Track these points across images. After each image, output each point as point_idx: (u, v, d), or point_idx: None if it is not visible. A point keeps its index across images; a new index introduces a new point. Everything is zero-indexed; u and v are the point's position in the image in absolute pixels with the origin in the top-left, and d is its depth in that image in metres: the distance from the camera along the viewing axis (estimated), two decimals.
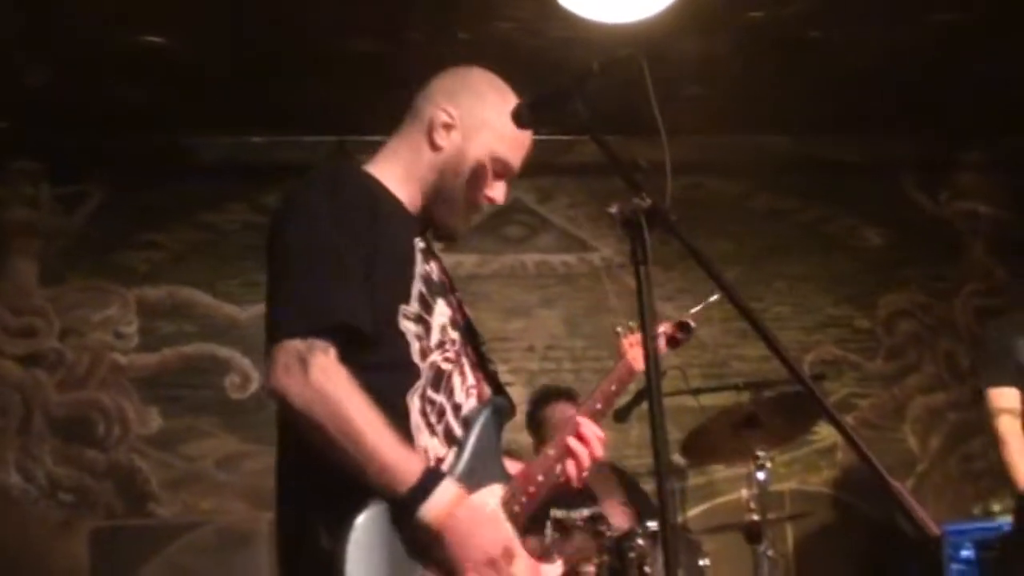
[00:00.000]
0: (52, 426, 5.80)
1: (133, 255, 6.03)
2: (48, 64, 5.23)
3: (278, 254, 2.38)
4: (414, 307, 2.40)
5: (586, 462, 2.62)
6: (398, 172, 2.57)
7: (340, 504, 2.21)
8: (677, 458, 5.37)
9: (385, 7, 4.56)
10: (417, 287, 2.42)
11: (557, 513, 4.73)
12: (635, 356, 2.92)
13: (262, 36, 5.11)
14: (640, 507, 4.97)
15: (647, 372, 2.18)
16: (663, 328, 3.04)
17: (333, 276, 2.29)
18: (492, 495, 2.45)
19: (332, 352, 2.25)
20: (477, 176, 2.60)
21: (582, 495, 5.03)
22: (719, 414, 4.90)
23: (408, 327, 2.37)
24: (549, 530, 4.63)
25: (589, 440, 2.63)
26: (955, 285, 6.92)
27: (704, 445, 5.02)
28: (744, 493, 5.08)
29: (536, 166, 6.91)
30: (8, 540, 5.63)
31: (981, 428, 6.54)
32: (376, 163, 2.59)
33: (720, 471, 6.14)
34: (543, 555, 2.56)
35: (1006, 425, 4.61)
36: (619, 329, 3.05)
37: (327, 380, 2.21)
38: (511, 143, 2.65)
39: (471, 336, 2.63)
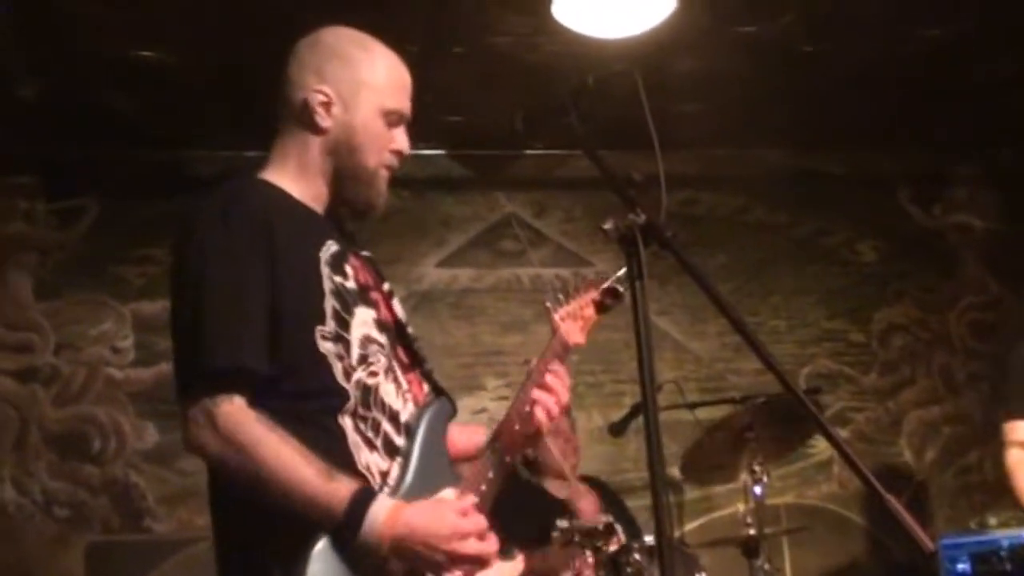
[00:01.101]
0: (47, 441, 5.78)
1: (129, 269, 6.02)
2: (42, 77, 5.23)
3: (177, 295, 2.32)
4: (330, 327, 2.32)
5: (555, 409, 2.61)
6: (292, 172, 2.47)
7: (291, 538, 2.17)
8: (675, 472, 5.37)
9: (379, 21, 4.55)
10: (330, 305, 2.33)
11: (562, 524, 4.74)
12: (568, 330, 2.84)
13: (256, 49, 5.10)
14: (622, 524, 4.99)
15: (642, 386, 2.18)
16: (591, 295, 2.92)
17: (229, 319, 2.22)
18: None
19: (237, 399, 2.20)
20: (373, 138, 2.48)
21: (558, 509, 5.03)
22: (715, 429, 4.90)
23: (328, 349, 2.30)
24: (556, 543, 4.64)
25: (555, 388, 2.62)
26: (949, 299, 6.92)
27: (702, 462, 5.02)
28: (741, 507, 5.09)
29: (531, 180, 6.96)
30: (3, 555, 5.61)
31: (976, 441, 6.59)
32: (270, 169, 2.49)
33: (717, 485, 6.13)
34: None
35: (1014, 458, 4.63)
36: (548, 304, 2.91)
37: (235, 428, 2.18)
38: (393, 91, 2.52)
39: (402, 335, 2.55)
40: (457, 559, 2.25)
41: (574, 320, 2.88)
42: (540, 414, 2.59)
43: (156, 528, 5.80)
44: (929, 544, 1.92)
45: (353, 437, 2.31)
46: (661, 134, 2.44)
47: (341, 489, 2.19)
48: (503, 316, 6.34)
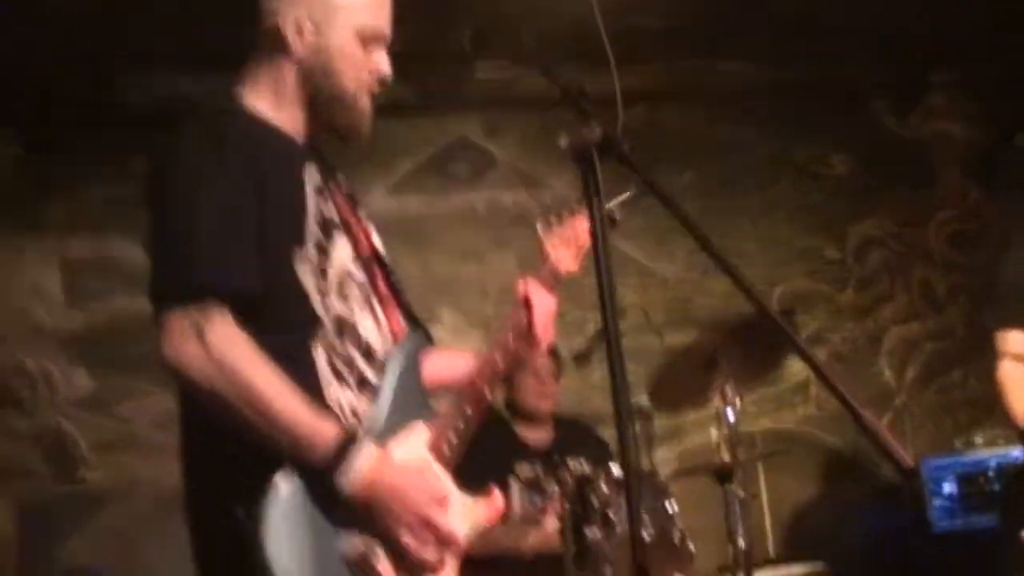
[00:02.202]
0: None
1: (57, 208, 5.96)
2: None
3: (161, 212, 2.32)
4: (311, 254, 2.36)
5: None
6: (269, 98, 2.49)
7: (255, 476, 2.19)
8: (643, 400, 5.41)
9: None
10: (312, 233, 2.38)
11: (524, 470, 4.77)
12: (560, 257, 2.87)
13: None
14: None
15: (603, 312, 2.19)
16: (586, 224, 2.96)
17: (223, 236, 2.25)
18: (418, 440, 2.44)
19: (229, 317, 2.22)
20: (350, 61, 2.51)
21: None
22: (684, 354, 4.93)
23: (306, 277, 2.34)
24: (516, 489, 4.68)
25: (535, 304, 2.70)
26: (927, 211, 6.96)
27: (671, 388, 5.05)
28: (713, 434, 5.13)
29: (483, 100, 6.89)
30: None
31: (960, 357, 6.65)
32: (246, 95, 2.51)
33: (688, 413, 6.17)
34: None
35: (1006, 370, 4.58)
36: (539, 227, 2.93)
37: (228, 348, 2.19)
38: (368, 8, 2.54)
39: (380, 265, 2.59)
40: (426, 525, 2.29)
41: (567, 246, 2.89)
42: (540, 332, 2.69)
43: (91, 478, 5.79)
44: (908, 460, 1.95)
45: (324, 370, 2.34)
46: (622, 47, 2.44)
47: (328, 429, 2.23)
48: (457, 245, 6.34)
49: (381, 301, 2.53)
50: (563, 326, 5.98)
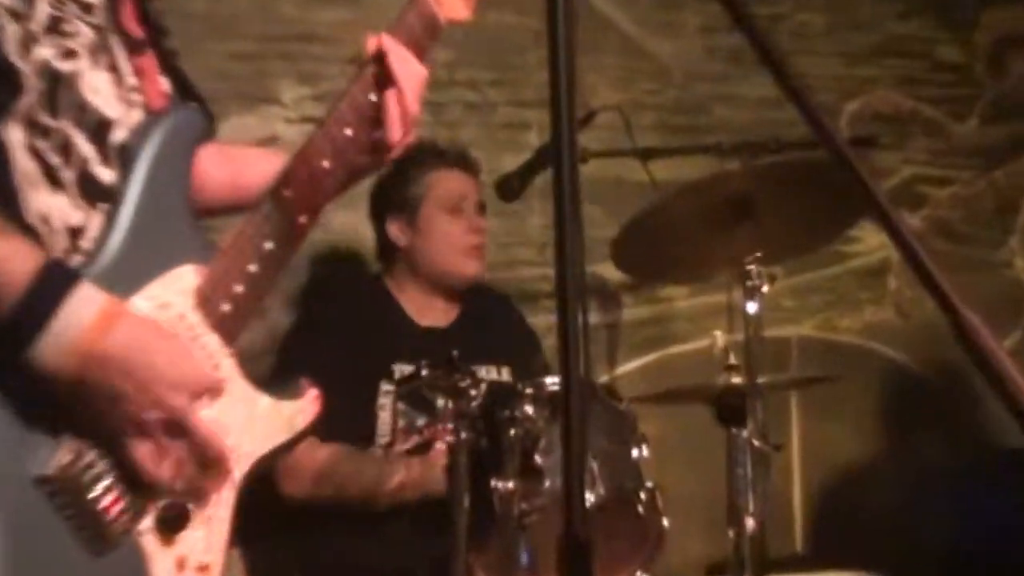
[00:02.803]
0: None
1: None
2: None
3: None
4: None
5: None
6: None
7: None
8: (606, 269, 5.43)
9: None
10: None
11: (404, 369, 4.78)
12: None
13: None
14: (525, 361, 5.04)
15: (554, 112, 2.17)
16: None
17: None
18: (179, 288, 2.45)
19: None
20: None
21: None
22: (683, 196, 4.93)
23: None
24: (386, 397, 4.71)
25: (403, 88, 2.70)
26: None
27: (656, 253, 5.06)
28: (719, 338, 5.16)
29: None
30: None
31: None
32: None
33: (680, 297, 6.23)
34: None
35: None
36: None
37: None
38: None
39: None
40: (170, 428, 2.31)
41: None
42: (391, 129, 2.67)
43: None
44: None
45: (24, 163, 2.34)
46: None
47: (22, 259, 2.23)
48: None
49: (130, 48, 2.53)
50: (487, 130, 6.01)
